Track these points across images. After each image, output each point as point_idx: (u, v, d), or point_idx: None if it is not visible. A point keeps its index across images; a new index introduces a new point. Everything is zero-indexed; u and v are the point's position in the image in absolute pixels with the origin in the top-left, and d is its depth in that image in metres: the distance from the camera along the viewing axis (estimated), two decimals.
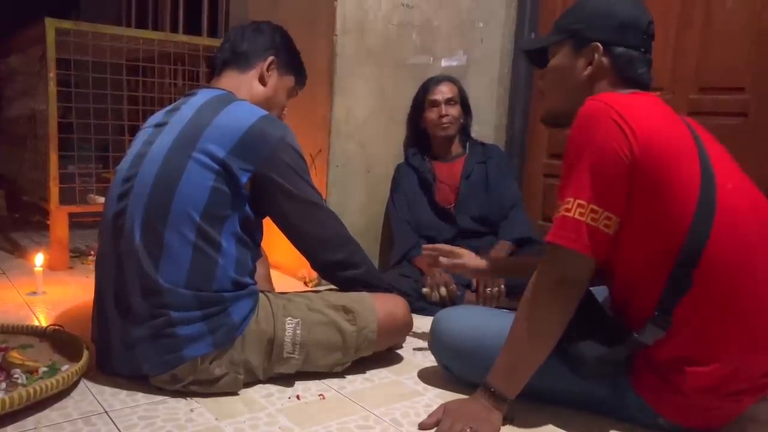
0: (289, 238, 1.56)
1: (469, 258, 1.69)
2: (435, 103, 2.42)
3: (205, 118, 1.42)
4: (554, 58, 1.40)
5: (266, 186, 1.43)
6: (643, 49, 1.31)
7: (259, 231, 1.50)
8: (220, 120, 1.41)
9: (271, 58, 1.63)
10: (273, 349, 1.43)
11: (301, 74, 1.74)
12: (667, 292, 1.18)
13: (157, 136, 1.45)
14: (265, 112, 1.48)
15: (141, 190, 1.39)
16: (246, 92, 1.58)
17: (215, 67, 1.64)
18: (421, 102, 2.46)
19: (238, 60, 1.61)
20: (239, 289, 1.40)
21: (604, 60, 1.32)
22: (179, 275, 1.34)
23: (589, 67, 1.33)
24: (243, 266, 1.42)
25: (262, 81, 1.62)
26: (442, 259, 1.69)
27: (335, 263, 1.57)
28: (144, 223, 1.36)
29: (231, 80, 1.60)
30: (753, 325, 1.18)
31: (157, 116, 1.55)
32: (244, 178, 1.39)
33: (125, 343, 1.38)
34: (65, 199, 2.55)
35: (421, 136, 2.53)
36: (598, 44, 1.32)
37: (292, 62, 1.69)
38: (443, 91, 2.43)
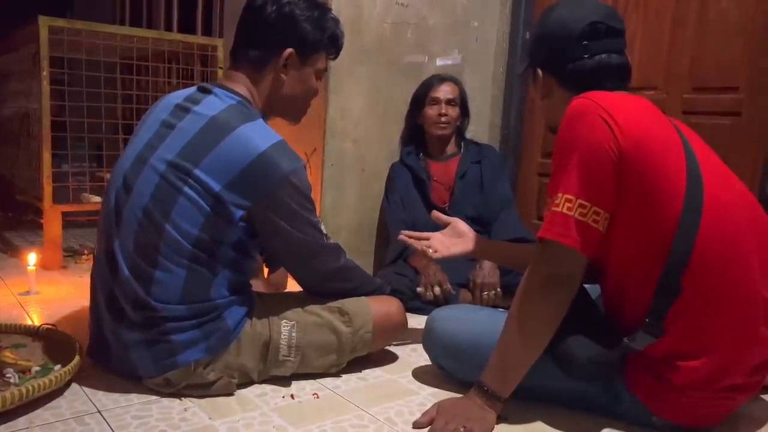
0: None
1: (440, 241, 1.67)
2: (436, 101, 2.42)
3: (212, 138, 1.33)
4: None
5: (263, 222, 1.37)
6: (586, 55, 1.30)
7: (256, 248, 1.46)
8: (226, 146, 1.32)
9: (287, 53, 1.45)
10: (268, 352, 1.43)
11: (332, 46, 1.53)
12: (658, 299, 1.19)
13: (160, 142, 1.37)
14: (277, 140, 1.36)
15: (132, 217, 1.34)
16: (262, 96, 1.48)
17: (231, 54, 1.51)
18: (422, 98, 2.46)
19: (250, 59, 1.46)
20: (234, 295, 1.40)
21: (551, 80, 1.37)
22: (172, 295, 1.32)
23: (541, 89, 1.39)
24: (239, 277, 1.42)
25: (279, 82, 1.47)
26: (416, 243, 1.67)
27: (326, 293, 1.55)
28: (134, 256, 1.33)
29: (246, 79, 1.47)
30: (743, 317, 1.19)
31: (166, 107, 1.44)
32: (238, 214, 1.33)
33: (119, 343, 1.37)
34: (59, 198, 2.53)
35: (417, 133, 2.53)
36: (538, 69, 1.38)
37: (316, 41, 1.48)
38: (446, 91, 2.43)
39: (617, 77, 1.32)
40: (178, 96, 1.46)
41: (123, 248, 1.35)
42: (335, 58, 1.59)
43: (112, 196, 1.40)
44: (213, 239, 1.33)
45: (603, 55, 1.30)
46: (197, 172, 1.31)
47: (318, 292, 1.55)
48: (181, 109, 1.41)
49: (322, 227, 1.47)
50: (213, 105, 1.39)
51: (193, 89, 1.47)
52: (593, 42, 1.30)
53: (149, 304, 1.32)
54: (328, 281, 1.53)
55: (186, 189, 1.31)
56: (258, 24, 1.46)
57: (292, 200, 1.37)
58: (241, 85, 1.46)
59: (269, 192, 1.34)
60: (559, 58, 1.33)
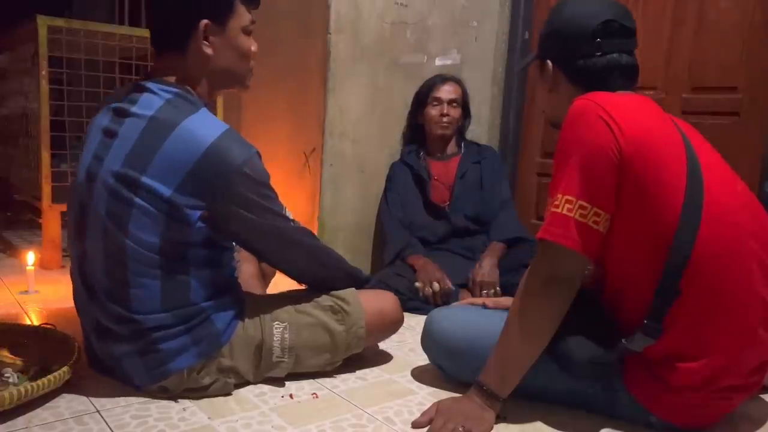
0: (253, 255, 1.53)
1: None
2: (438, 101, 2.43)
3: (154, 141, 1.26)
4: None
5: (225, 218, 1.31)
6: (598, 53, 1.30)
7: (227, 240, 1.40)
8: (169, 146, 1.25)
9: (202, 25, 1.32)
10: (262, 354, 1.42)
11: None
12: (656, 300, 1.19)
13: (106, 153, 1.30)
14: (223, 129, 1.28)
15: (94, 240, 1.30)
16: (197, 77, 1.37)
17: (152, 43, 1.39)
18: (424, 97, 2.47)
19: (169, 43, 1.36)
20: (220, 296, 1.37)
21: (560, 74, 1.37)
22: (152, 304, 1.30)
23: (548, 82, 1.39)
24: (218, 274, 1.38)
25: (206, 56, 1.35)
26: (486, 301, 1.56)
27: (307, 276, 1.54)
28: (106, 279, 1.30)
29: (175, 66, 1.36)
30: (742, 319, 1.19)
31: (106, 113, 1.36)
32: (195, 215, 1.27)
33: (111, 357, 1.36)
34: (58, 197, 2.53)
35: (418, 132, 2.53)
36: (548, 62, 1.38)
37: (226, 2, 1.35)
38: (448, 91, 2.44)
39: (625, 77, 1.32)
40: (116, 98, 1.39)
41: (93, 272, 1.33)
42: (257, 7, 1.44)
43: (73, 216, 1.37)
44: (178, 243, 1.29)
45: (614, 54, 1.30)
46: (145, 179, 1.25)
47: (297, 275, 1.53)
48: (120, 113, 1.33)
49: (288, 213, 1.41)
50: (150, 103, 1.31)
51: (128, 88, 1.39)
52: (606, 40, 1.30)
53: (133, 318, 1.29)
54: (304, 263, 1.49)
55: (137, 200, 1.25)
56: (162, 4, 1.37)
57: (250, 191, 1.30)
58: (173, 74, 1.36)
59: (224, 188, 1.27)
60: (570, 53, 1.33)
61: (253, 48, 1.43)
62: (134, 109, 1.31)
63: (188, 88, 1.36)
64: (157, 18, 1.39)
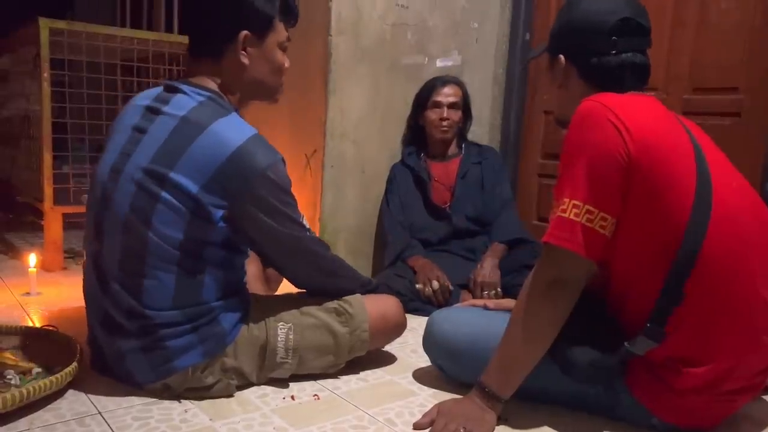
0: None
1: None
2: (438, 105, 2.42)
3: (184, 139, 1.29)
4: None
5: (244, 219, 1.33)
6: (614, 51, 1.28)
7: (245, 242, 1.42)
8: (199, 146, 1.28)
9: (242, 36, 1.37)
10: (266, 355, 1.42)
11: (288, 15, 1.44)
12: (660, 303, 1.18)
13: (134, 147, 1.33)
14: (250, 134, 1.32)
15: (114, 230, 1.32)
16: (230, 85, 1.41)
17: (189, 48, 1.43)
18: (424, 100, 2.46)
19: (207, 50, 1.40)
20: (229, 297, 1.38)
21: (571, 70, 1.35)
22: (164, 301, 1.31)
23: (558, 78, 1.37)
24: (231, 276, 1.40)
25: (242, 66, 1.40)
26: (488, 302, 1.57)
27: (314, 287, 1.54)
28: (122, 269, 1.31)
29: (210, 71, 1.40)
30: (748, 323, 1.18)
31: (136, 112, 1.39)
32: (218, 214, 1.29)
33: (115, 354, 1.37)
34: (59, 199, 2.54)
35: (418, 134, 2.53)
36: (561, 56, 1.36)
37: (268, 15, 1.40)
38: (448, 94, 2.43)
39: (637, 77, 1.31)
40: (146, 97, 1.42)
41: (109, 262, 1.33)
42: (294, 25, 1.49)
43: (93, 211, 1.38)
44: (198, 241, 1.31)
45: (629, 54, 1.29)
46: (173, 175, 1.28)
47: (306, 286, 1.54)
48: (151, 111, 1.37)
49: (305, 221, 1.43)
50: (183, 104, 1.34)
51: (159, 88, 1.42)
52: (622, 38, 1.28)
53: (144, 313, 1.30)
54: (315, 274, 1.50)
55: (163, 194, 1.28)
56: (204, 12, 1.40)
57: (271, 196, 1.33)
58: (207, 79, 1.40)
59: (247, 190, 1.30)
60: (584, 49, 1.31)
61: (287, 64, 1.48)
62: (166, 108, 1.35)
63: (220, 93, 1.40)
64: (198, 24, 1.42)
